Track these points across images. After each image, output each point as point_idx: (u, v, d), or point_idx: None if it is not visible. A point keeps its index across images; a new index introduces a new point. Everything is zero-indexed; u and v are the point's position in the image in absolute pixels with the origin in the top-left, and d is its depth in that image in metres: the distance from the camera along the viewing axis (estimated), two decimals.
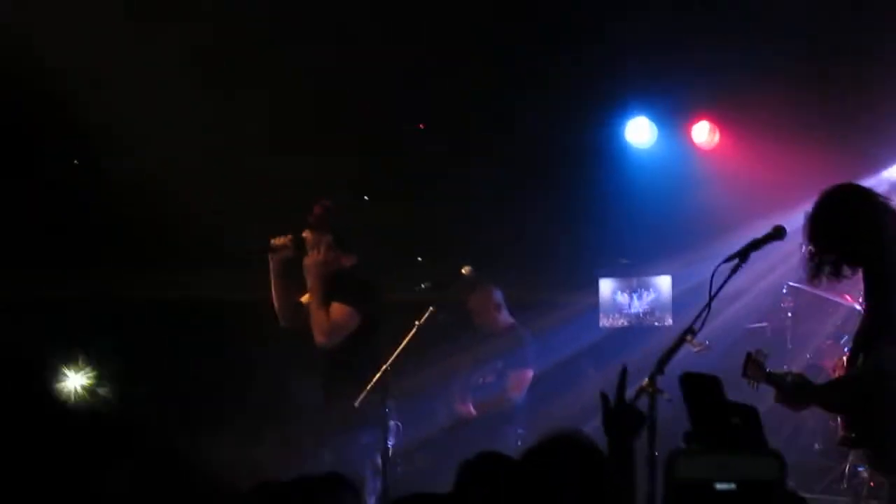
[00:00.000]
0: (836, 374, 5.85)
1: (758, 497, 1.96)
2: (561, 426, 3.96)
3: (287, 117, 9.09)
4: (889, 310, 5.04)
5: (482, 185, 9.72)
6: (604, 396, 3.90)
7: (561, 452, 3.41)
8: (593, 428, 3.88)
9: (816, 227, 5.20)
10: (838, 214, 5.17)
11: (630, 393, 4.30)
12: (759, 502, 1.96)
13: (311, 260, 6.88)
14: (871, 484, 6.04)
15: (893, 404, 4.98)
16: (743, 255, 5.06)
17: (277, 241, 6.91)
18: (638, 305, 9.88)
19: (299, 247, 6.90)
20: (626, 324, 9.91)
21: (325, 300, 6.83)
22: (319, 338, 6.82)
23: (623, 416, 3.88)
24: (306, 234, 6.90)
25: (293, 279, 7.00)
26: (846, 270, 5.19)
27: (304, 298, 7.06)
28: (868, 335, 5.15)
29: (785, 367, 7.74)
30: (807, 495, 7.72)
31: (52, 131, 8.89)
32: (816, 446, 7.90)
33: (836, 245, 5.16)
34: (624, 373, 3.95)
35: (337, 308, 6.81)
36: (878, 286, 5.13)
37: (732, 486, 1.96)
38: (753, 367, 5.23)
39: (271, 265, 6.95)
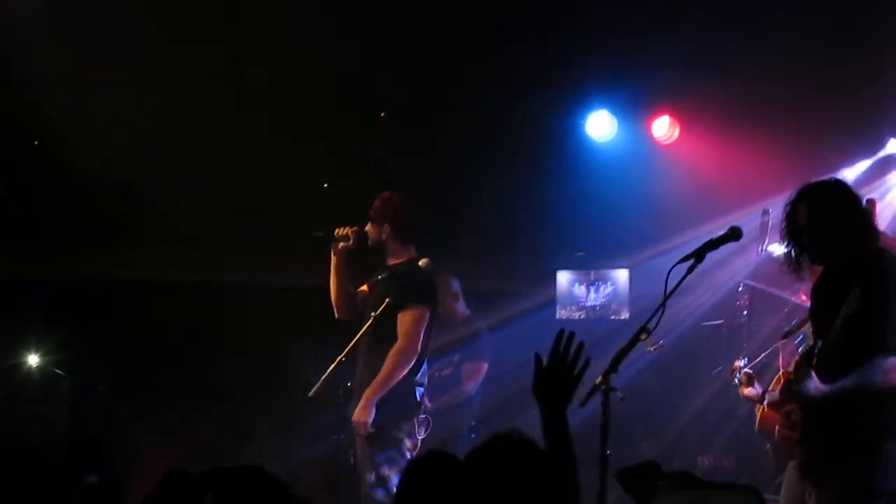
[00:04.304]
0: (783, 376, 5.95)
1: None
2: (511, 423, 3.90)
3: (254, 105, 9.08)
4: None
5: (438, 176, 9.68)
6: (537, 357, 3.64)
7: (502, 452, 3.35)
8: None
9: (797, 220, 5.16)
10: (828, 210, 5.13)
11: (584, 390, 4.28)
12: None
13: None
14: None
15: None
16: (699, 254, 5.05)
17: (341, 231, 6.91)
18: (595, 298, 9.88)
19: (363, 239, 6.91)
20: (582, 316, 9.91)
21: None
22: None
23: (554, 378, 3.61)
24: (369, 227, 6.90)
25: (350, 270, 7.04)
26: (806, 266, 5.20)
27: (362, 288, 7.06)
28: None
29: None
30: (765, 495, 7.75)
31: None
32: (767, 446, 7.90)
33: (817, 241, 5.13)
34: (561, 335, 3.64)
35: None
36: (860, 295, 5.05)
37: None
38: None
39: (333, 255, 6.96)
